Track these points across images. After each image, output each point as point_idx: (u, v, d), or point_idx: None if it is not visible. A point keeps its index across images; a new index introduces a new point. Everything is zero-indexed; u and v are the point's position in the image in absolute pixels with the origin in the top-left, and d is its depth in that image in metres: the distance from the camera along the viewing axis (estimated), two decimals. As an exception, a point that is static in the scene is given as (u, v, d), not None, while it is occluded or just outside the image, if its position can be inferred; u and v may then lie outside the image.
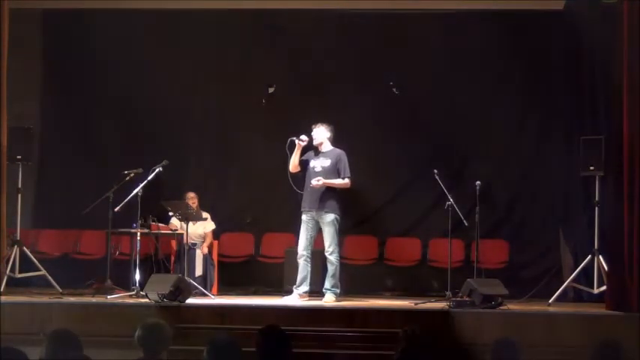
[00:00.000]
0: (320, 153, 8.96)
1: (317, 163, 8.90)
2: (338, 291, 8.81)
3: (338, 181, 8.82)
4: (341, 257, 8.98)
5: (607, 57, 8.84)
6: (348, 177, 8.84)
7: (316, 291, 8.93)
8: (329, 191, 8.80)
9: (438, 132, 10.62)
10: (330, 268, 8.78)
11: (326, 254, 8.80)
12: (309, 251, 8.86)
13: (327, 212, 8.76)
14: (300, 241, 8.88)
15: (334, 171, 8.84)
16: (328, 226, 8.76)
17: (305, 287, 8.85)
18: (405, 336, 4.70)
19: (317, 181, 8.72)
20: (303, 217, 8.86)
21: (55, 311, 7.84)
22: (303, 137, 8.85)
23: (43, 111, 10.99)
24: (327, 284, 8.79)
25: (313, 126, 8.96)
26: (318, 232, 8.85)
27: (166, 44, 10.71)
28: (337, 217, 8.79)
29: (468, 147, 10.60)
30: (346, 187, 8.91)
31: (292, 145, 8.83)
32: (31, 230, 10.34)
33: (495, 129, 10.61)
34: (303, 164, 8.93)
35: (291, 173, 8.89)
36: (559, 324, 7.70)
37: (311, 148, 9.02)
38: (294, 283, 8.93)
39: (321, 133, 8.94)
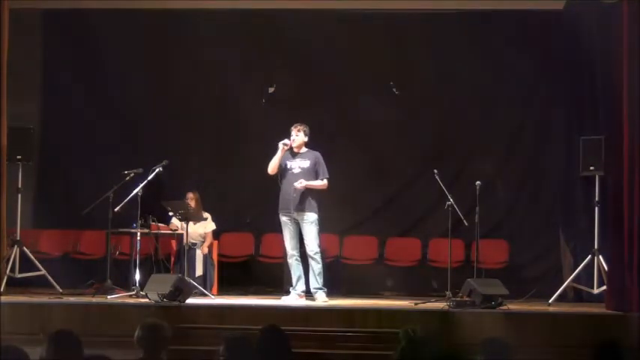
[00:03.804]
0: (297, 154, 8.93)
1: (294, 164, 8.88)
2: (326, 289, 8.81)
3: (318, 183, 8.83)
4: (341, 257, 8.93)
5: (607, 57, 8.83)
6: (326, 178, 8.84)
7: (306, 291, 8.90)
8: (309, 192, 8.79)
9: (438, 132, 10.64)
10: (317, 267, 8.75)
11: (310, 254, 8.75)
12: (298, 250, 8.86)
13: (308, 213, 8.76)
14: (286, 242, 8.88)
15: (313, 172, 8.84)
16: (310, 226, 8.76)
17: (302, 286, 8.84)
18: (405, 336, 4.70)
19: (299, 184, 8.73)
20: (283, 218, 8.84)
21: (55, 311, 7.83)
22: (287, 141, 8.84)
23: (43, 111, 10.98)
24: (317, 284, 8.77)
25: (294, 128, 8.91)
26: (299, 232, 8.85)
27: (166, 44, 10.72)
28: (318, 216, 8.80)
29: (467, 147, 10.61)
30: (324, 189, 8.91)
31: (276, 149, 8.83)
32: (31, 230, 10.33)
33: (495, 129, 10.61)
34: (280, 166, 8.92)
35: (269, 175, 8.87)
36: (559, 324, 7.70)
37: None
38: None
39: (302, 136, 8.93)
